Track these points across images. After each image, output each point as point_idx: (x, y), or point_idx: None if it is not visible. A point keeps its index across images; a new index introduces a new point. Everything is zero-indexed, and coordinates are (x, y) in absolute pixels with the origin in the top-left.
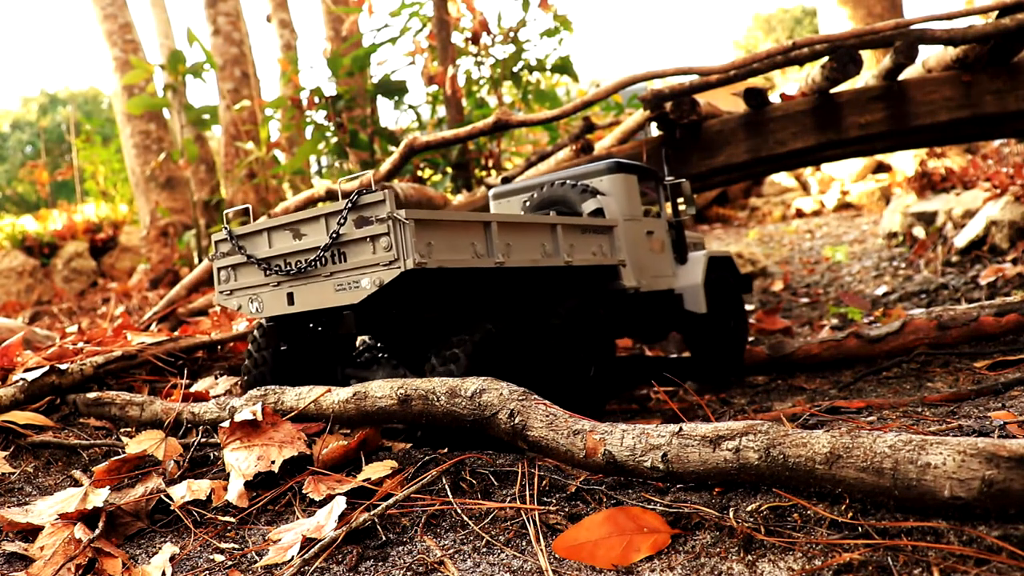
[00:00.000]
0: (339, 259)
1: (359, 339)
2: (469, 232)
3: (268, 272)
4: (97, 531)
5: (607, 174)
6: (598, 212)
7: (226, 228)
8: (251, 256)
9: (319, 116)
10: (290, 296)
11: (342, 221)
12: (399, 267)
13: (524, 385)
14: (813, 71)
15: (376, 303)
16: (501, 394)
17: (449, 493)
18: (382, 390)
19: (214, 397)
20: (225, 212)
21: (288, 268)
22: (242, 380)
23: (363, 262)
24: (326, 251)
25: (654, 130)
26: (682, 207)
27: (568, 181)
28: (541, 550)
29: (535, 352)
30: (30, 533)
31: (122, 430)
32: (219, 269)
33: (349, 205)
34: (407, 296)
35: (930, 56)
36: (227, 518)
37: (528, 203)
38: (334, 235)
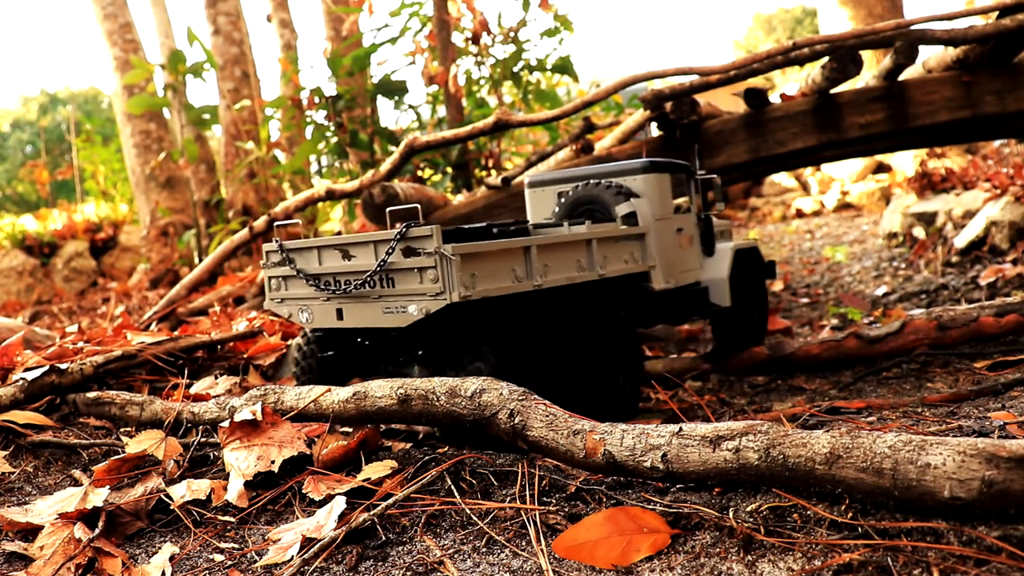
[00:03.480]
0: (387, 284)
1: None
2: (510, 258)
3: (318, 288)
4: (97, 531)
5: (641, 174)
6: (631, 216)
7: (277, 240)
8: (301, 271)
9: (319, 116)
10: (339, 312)
11: (390, 251)
12: (445, 299)
13: (552, 396)
14: (813, 71)
15: (421, 324)
16: (501, 394)
17: (449, 493)
18: (382, 390)
19: (214, 397)
20: (276, 226)
21: (337, 287)
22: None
23: (410, 290)
24: (374, 276)
25: (654, 130)
26: (712, 201)
27: (602, 181)
28: (541, 550)
29: (564, 362)
30: (30, 533)
31: (122, 430)
32: (270, 278)
33: (398, 236)
34: (449, 315)
35: (930, 56)
36: (227, 518)
37: (563, 199)
38: (382, 263)
